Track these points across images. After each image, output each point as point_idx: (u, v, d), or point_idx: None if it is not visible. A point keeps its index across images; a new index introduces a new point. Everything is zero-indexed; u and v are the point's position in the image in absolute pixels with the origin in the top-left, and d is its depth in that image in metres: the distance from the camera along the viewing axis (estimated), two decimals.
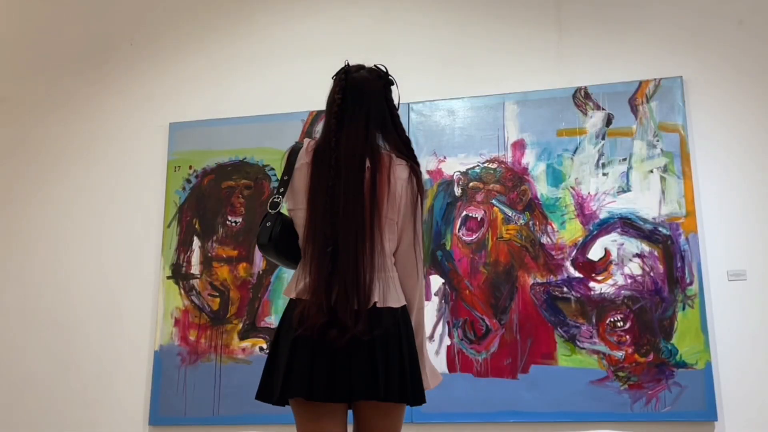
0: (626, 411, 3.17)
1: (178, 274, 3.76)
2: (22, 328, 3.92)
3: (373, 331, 1.79)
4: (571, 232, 3.39)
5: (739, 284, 3.23)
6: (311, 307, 1.79)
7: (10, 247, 4.06)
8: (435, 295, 3.44)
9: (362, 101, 1.96)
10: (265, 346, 3.58)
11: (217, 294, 3.70)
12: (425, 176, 3.58)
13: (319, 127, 3.77)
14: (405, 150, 2.00)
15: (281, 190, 1.94)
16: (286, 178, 1.94)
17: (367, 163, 1.89)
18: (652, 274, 3.27)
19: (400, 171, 1.93)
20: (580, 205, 3.41)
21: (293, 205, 1.95)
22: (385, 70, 2.04)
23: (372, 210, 1.85)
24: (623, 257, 3.32)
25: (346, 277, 1.80)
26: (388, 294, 1.86)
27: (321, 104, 3.83)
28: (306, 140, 2.00)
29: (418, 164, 2.00)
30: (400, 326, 1.86)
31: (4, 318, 3.96)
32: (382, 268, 1.88)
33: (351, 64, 2.05)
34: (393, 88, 2.07)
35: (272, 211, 1.91)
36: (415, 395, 1.87)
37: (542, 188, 3.47)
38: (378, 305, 1.83)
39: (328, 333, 1.77)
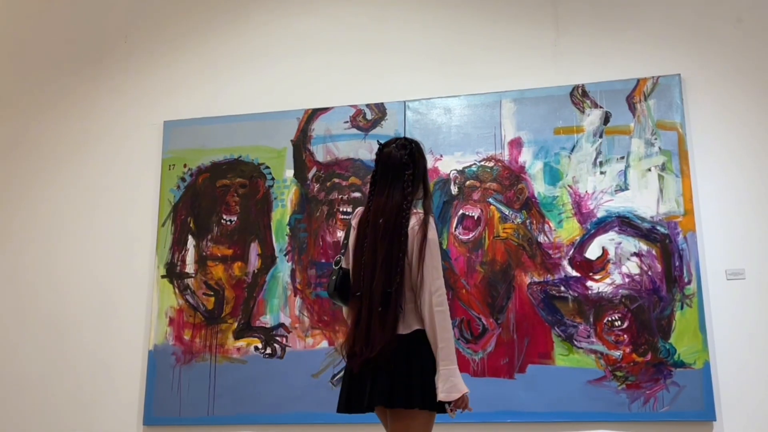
0: (624, 411, 3.15)
1: (173, 273, 3.74)
2: (16, 327, 3.89)
3: (382, 356, 2.22)
4: (568, 230, 3.37)
5: (738, 283, 3.21)
6: (346, 341, 2.36)
7: (4, 245, 4.03)
8: None
9: (388, 172, 2.41)
10: (260, 345, 3.55)
11: (212, 293, 3.68)
12: None
13: (315, 125, 3.75)
14: (423, 203, 2.43)
15: (342, 251, 2.49)
16: (345, 241, 2.49)
17: (387, 220, 2.34)
18: (650, 273, 3.26)
19: (412, 221, 2.34)
20: (578, 204, 3.39)
21: (347, 263, 2.47)
22: (408, 141, 2.45)
23: (387, 258, 2.29)
24: (621, 256, 3.30)
25: (365, 317, 2.31)
26: (399, 324, 2.27)
27: (316, 102, 3.87)
28: (358, 208, 2.53)
29: (429, 214, 2.37)
30: (409, 348, 2.25)
31: None
32: (403, 304, 2.29)
33: (384, 141, 2.50)
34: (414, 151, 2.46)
35: (335, 267, 2.47)
36: (425, 401, 2.20)
37: (539, 187, 3.45)
38: (387, 336, 2.24)
39: (351, 362, 2.32)
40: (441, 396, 2.18)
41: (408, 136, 3.61)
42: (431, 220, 2.35)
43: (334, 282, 2.45)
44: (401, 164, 2.39)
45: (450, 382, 2.19)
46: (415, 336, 2.27)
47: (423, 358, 2.24)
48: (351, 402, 2.30)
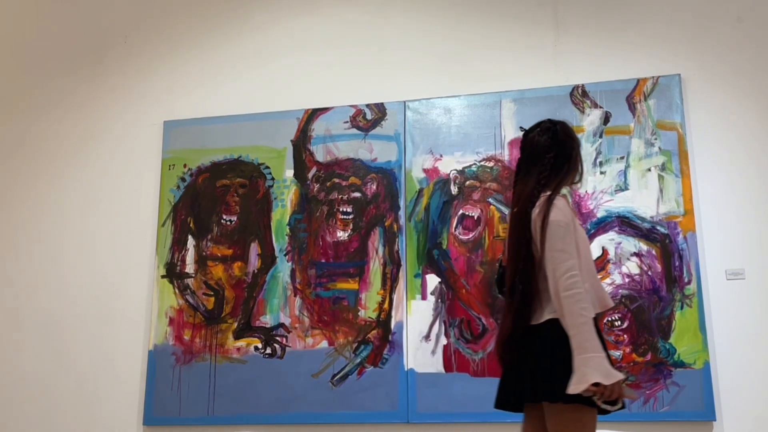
0: (624, 411, 3.14)
1: (173, 273, 3.74)
2: (16, 327, 3.89)
3: (513, 351, 2.19)
4: None
5: (738, 283, 3.21)
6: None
7: (4, 246, 4.03)
8: (431, 294, 3.42)
9: (528, 160, 2.33)
10: (260, 345, 3.55)
11: (212, 293, 3.68)
12: (420, 175, 3.56)
13: (315, 125, 3.75)
14: (558, 183, 2.27)
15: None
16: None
17: (519, 208, 2.25)
18: (650, 273, 3.25)
19: (538, 204, 2.22)
20: (578, 204, 3.39)
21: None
22: (552, 123, 2.33)
23: (518, 250, 2.21)
24: (621, 256, 3.30)
25: (504, 310, 2.28)
26: (531, 315, 2.17)
27: (316, 102, 3.87)
28: None
29: (557, 194, 2.22)
30: (538, 339, 2.14)
31: None
32: (532, 294, 2.18)
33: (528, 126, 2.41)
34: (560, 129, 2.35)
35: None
36: (551, 393, 2.07)
37: None
38: (517, 327, 2.18)
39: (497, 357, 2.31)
40: (569, 388, 2.01)
41: (408, 135, 3.63)
42: (557, 201, 2.19)
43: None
44: (544, 148, 2.28)
45: (580, 372, 2.01)
46: (545, 326, 2.14)
47: (554, 349, 2.09)
48: (499, 399, 2.24)
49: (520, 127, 2.41)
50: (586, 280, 2.13)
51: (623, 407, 2.08)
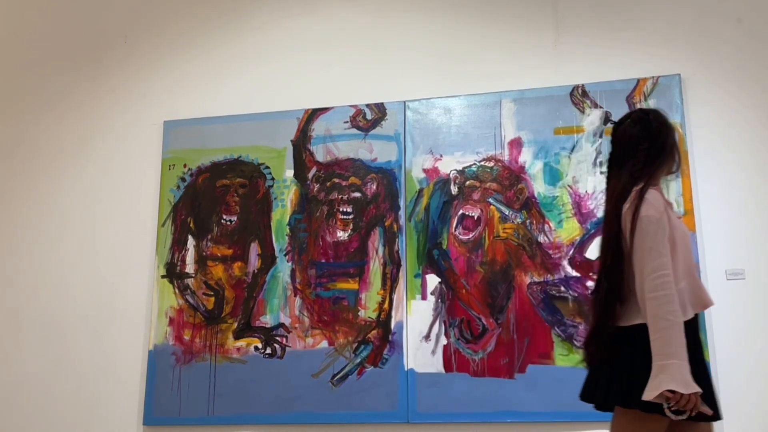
0: None
1: (173, 273, 3.74)
2: (16, 327, 3.89)
3: (597, 350, 2.13)
4: (568, 230, 3.37)
5: (738, 283, 3.21)
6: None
7: (4, 246, 4.03)
8: (431, 294, 3.42)
9: (621, 153, 2.23)
10: (260, 345, 3.55)
11: (212, 293, 3.68)
12: (420, 175, 3.56)
13: (315, 125, 3.75)
14: (650, 176, 2.18)
15: None
16: None
17: (611, 204, 2.18)
18: None
19: (629, 199, 2.13)
20: (578, 204, 3.39)
21: None
22: (644, 113, 2.25)
23: (607, 246, 2.15)
24: None
25: (591, 308, 2.23)
26: (618, 315, 2.11)
27: (316, 102, 3.87)
28: None
29: (649, 187, 2.14)
30: (624, 342, 2.07)
31: None
32: (618, 292, 2.11)
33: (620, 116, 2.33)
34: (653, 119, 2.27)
35: None
36: (624, 398, 2.04)
37: (539, 187, 3.44)
38: (600, 326, 2.13)
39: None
40: (644, 394, 1.96)
41: (408, 135, 3.63)
42: (649, 195, 2.10)
43: None
44: (637, 140, 2.19)
45: (657, 380, 1.94)
46: (631, 330, 2.07)
47: (634, 354, 2.04)
48: (583, 392, 2.23)
49: (611, 120, 2.37)
50: (682, 278, 2.05)
51: (689, 418, 2.00)
